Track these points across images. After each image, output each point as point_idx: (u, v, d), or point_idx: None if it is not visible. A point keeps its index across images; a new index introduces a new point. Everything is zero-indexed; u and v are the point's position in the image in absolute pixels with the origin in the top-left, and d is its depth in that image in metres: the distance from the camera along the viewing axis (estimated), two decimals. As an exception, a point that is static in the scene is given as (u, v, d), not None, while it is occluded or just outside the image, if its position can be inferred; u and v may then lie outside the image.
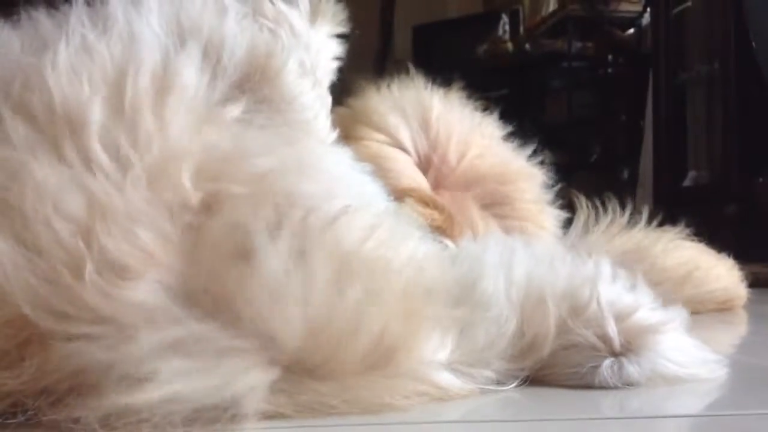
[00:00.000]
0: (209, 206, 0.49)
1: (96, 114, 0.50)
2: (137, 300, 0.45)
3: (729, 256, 1.15)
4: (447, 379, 0.52)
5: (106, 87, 0.51)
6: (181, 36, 0.60)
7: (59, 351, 0.44)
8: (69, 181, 0.47)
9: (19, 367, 0.44)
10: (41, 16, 0.59)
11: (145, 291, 0.45)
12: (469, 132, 0.98)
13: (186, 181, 0.48)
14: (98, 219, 0.46)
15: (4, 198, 0.47)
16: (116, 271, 0.45)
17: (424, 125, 0.96)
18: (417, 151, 0.96)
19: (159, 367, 0.43)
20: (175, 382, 0.43)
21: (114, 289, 0.44)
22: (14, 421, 0.44)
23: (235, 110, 0.56)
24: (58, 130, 0.49)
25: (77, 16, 0.57)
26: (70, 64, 0.52)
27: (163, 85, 0.52)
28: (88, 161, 0.48)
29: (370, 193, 0.67)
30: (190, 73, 0.55)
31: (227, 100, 0.57)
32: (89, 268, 0.44)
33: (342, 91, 0.86)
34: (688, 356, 0.59)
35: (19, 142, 0.48)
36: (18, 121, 0.49)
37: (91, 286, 0.44)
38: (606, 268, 0.60)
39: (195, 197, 0.49)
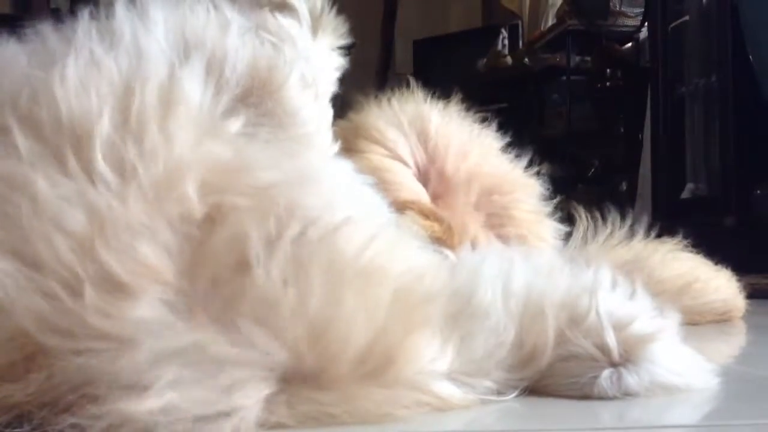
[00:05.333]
0: (213, 218, 0.49)
1: (102, 127, 0.50)
2: (138, 317, 0.45)
3: (727, 267, 1.15)
4: (447, 389, 0.53)
5: (114, 100, 0.52)
6: (185, 50, 0.60)
7: (64, 364, 0.44)
8: (72, 196, 0.47)
9: (25, 379, 0.44)
10: (48, 31, 0.59)
11: (146, 307, 0.45)
12: (468, 143, 0.99)
13: (191, 193, 0.49)
14: (99, 234, 0.46)
15: (6, 213, 0.47)
16: (116, 289, 0.45)
17: (423, 137, 0.97)
18: (416, 164, 0.96)
19: (159, 377, 0.43)
20: (175, 391, 0.44)
21: (114, 308, 0.45)
22: (20, 430, 0.45)
23: (237, 123, 0.57)
24: (64, 142, 0.49)
25: (84, 30, 0.58)
26: (78, 77, 0.52)
27: (169, 99, 0.53)
28: (92, 174, 0.48)
29: (371, 205, 0.68)
30: (194, 88, 0.55)
31: (230, 113, 0.58)
32: (89, 288, 0.45)
33: (343, 104, 0.87)
34: (685, 366, 0.59)
35: (24, 156, 0.49)
36: (24, 133, 0.50)
37: (91, 307, 0.44)
38: (606, 276, 0.60)
39: (199, 209, 0.49)
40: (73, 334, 0.44)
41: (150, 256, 0.46)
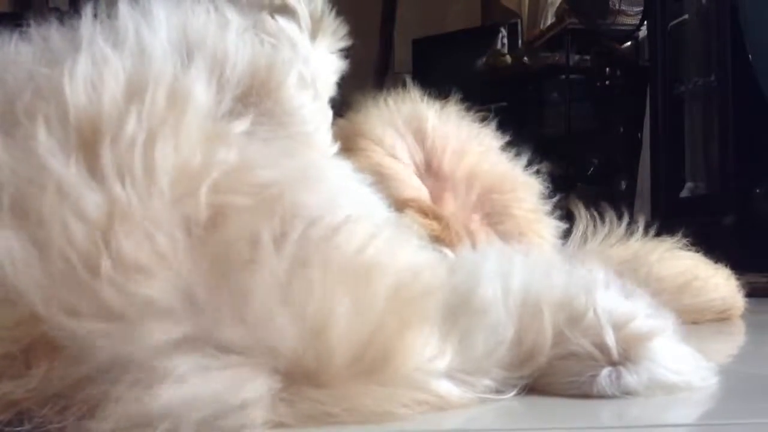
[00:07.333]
0: (215, 218, 0.49)
1: (113, 126, 0.50)
2: (149, 296, 0.45)
3: (726, 265, 1.16)
4: (446, 388, 0.53)
5: (123, 101, 0.52)
6: (188, 49, 0.61)
7: (67, 352, 0.44)
8: (88, 187, 0.48)
9: (26, 374, 0.44)
10: (51, 30, 0.59)
11: (157, 289, 0.45)
12: (466, 142, 0.99)
13: (198, 195, 0.49)
14: (117, 222, 0.47)
15: (21, 198, 0.47)
16: (131, 268, 0.45)
17: (420, 136, 0.97)
18: (415, 163, 0.96)
19: (166, 366, 0.44)
20: (183, 382, 0.44)
21: (127, 284, 0.45)
22: (21, 428, 0.45)
23: (242, 126, 0.57)
24: (73, 139, 0.50)
25: (89, 28, 0.58)
26: (87, 75, 0.52)
27: (177, 101, 0.53)
28: (102, 171, 0.49)
29: (371, 204, 0.68)
30: (200, 89, 0.56)
31: (233, 114, 0.58)
32: (105, 265, 0.45)
33: (342, 104, 0.87)
34: (684, 364, 0.59)
35: (37, 147, 0.49)
36: (34, 127, 0.50)
37: (105, 281, 0.45)
38: (600, 276, 0.60)
39: (205, 211, 0.49)
40: (81, 311, 0.44)
41: (164, 246, 0.47)
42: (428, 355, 0.52)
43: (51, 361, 0.44)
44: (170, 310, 0.45)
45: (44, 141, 0.49)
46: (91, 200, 0.47)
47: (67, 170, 0.48)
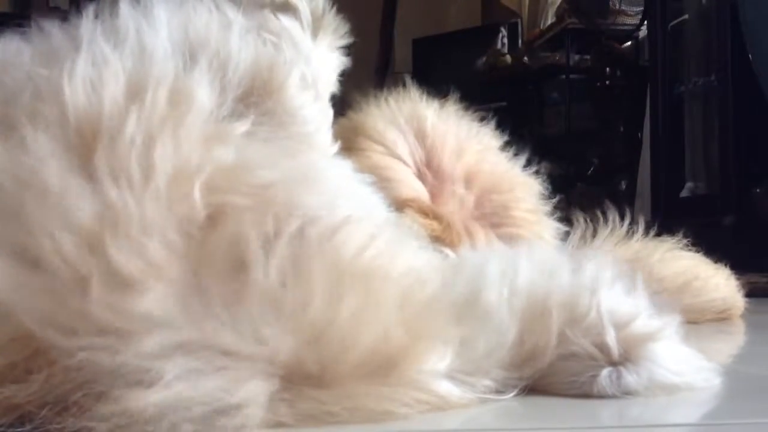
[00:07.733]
0: (214, 218, 0.49)
1: (113, 127, 0.50)
2: (143, 311, 0.45)
3: (726, 265, 1.16)
4: (447, 388, 0.53)
5: (124, 101, 0.52)
6: (191, 50, 0.60)
7: (66, 363, 0.44)
8: (80, 193, 0.47)
9: (27, 380, 0.44)
10: (52, 29, 0.59)
11: (151, 302, 0.45)
12: (465, 140, 0.99)
13: (196, 196, 0.49)
14: (109, 232, 0.46)
15: (14, 204, 0.47)
16: (123, 284, 0.45)
17: (420, 135, 0.97)
18: (415, 163, 0.97)
19: (166, 369, 0.44)
20: (185, 383, 0.44)
21: (120, 301, 0.45)
22: (22, 429, 0.45)
23: (243, 127, 0.57)
24: (72, 141, 0.50)
25: (89, 28, 0.58)
26: (87, 76, 0.52)
27: (179, 101, 0.53)
28: (99, 174, 0.49)
29: (371, 204, 0.68)
30: (202, 90, 0.55)
31: (234, 115, 0.58)
32: (95, 283, 0.45)
33: (343, 103, 0.87)
34: (685, 365, 0.59)
35: (32, 151, 0.49)
36: (31, 129, 0.50)
37: (96, 301, 0.45)
38: (606, 273, 0.60)
39: (202, 211, 0.49)
40: (77, 330, 0.44)
41: (157, 254, 0.47)
42: (430, 356, 0.52)
43: (51, 368, 0.44)
44: (167, 319, 0.45)
45: (41, 143, 0.48)
46: (83, 208, 0.46)
47: (60, 175, 0.47)
